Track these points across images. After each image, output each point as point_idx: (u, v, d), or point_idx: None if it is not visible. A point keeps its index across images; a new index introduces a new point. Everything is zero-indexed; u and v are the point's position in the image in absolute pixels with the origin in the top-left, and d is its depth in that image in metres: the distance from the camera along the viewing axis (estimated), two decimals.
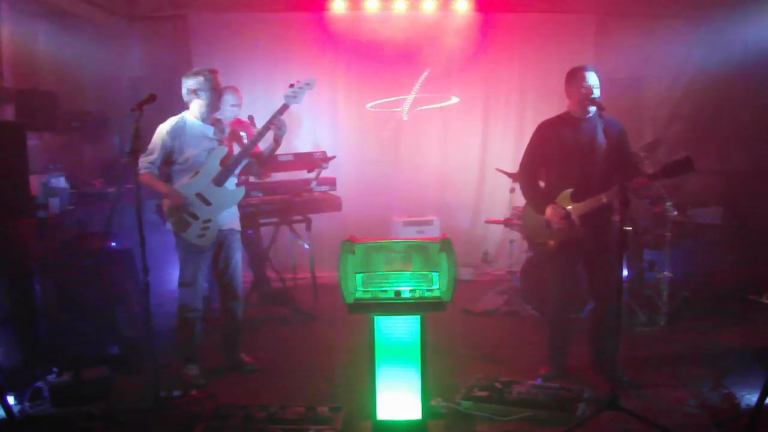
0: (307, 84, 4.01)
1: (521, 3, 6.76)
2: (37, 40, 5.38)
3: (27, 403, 3.61)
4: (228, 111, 5.27)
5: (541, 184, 4.07)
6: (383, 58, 6.80)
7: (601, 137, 3.73)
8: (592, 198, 3.74)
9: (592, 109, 3.78)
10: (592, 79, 3.78)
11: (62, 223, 4.68)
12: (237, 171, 4.07)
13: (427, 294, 3.05)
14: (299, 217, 5.55)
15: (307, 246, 5.67)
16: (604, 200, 3.70)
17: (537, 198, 3.98)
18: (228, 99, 5.27)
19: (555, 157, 3.91)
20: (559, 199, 3.86)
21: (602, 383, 3.71)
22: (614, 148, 3.77)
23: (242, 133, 5.32)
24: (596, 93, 3.77)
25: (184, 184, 3.91)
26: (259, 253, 5.50)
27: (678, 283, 5.20)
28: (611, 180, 3.72)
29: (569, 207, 3.82)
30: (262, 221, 5.45)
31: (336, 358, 4.37)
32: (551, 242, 3.90)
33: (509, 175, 5.65)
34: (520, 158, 4.11)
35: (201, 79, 3.89)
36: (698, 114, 6.60)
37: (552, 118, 3.98)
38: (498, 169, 5.95)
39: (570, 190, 3.82)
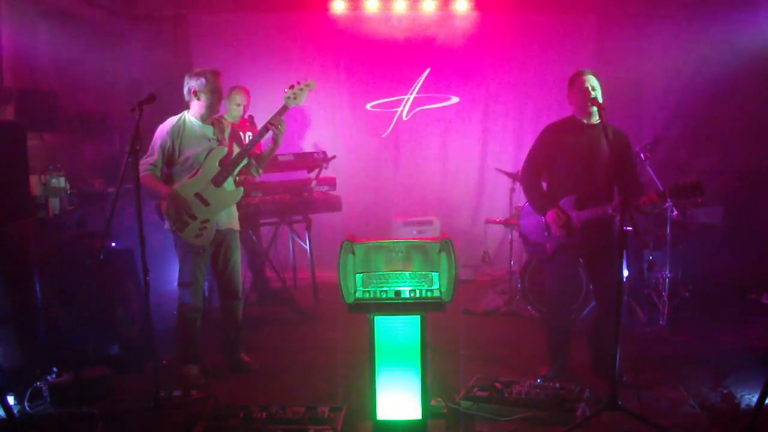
0: (307, 85, 4.01)
1: (521, 3, 6.76)
2: (37, 40, 5.38)
3: (27, 403, 3.61)
4: (234, 110, 5.30)
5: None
6: (383, 58, 6.81)
7: (605, 145, 3.69)
8: (596, 207, 3.72)
9: (595, 112, 3.76)
10: (591, 81, 3.78)
11: (62, 223, 4.69)
12: (236, 171, 4.08)
13: (427, 294, 3.05)
14: (299, 217, 5.55)
15: (307, 246, 5.67)
16: (610, 212, 3.69)
17: (538, 200, 3.96)
18: (235, 98, 5.30)
19: (558, 160, 3.90)
20: (563, 203, 3.83)
21: (602, 383, 3.71)
22: (617, 159, 3.72)
23: (248, 134, 5.33)
24: (597, 94, 3.76)
25: (183, 184, 3.90)
26: (257, 253, 5.50)
27: (678, 283, 5.20)
28: (613, 189, 3.70)
29: (571, 212, 3.80)
30: (262, 221, 5.45)
31: (336, 358, 4.36)
32: (548, 245, 3.90)
33: (509, 175, 5.66)
34: (521, 158, 4.11)
35: (203, 80, 3.88)
36: (698, 114, 6.61)
37: (557, 122, 3.98)
38: (498, 169, 5.95)
39: (575, 196, 3.80)
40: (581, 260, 4.12)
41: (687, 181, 3.43)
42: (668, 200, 3.59)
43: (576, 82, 3.82)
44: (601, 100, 3.76)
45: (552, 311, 4.08)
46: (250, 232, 5.30)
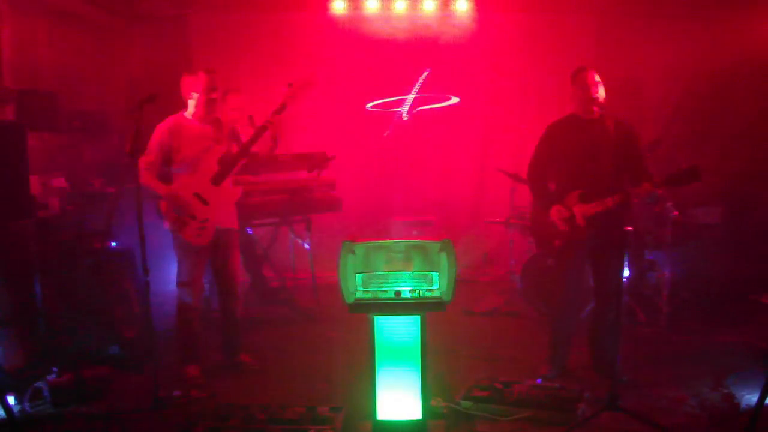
0: (306, 83, 4.01)
1: (521, 3, 6.77)
2: (37, 40, 5.38)
3: (27, 403, 3.61)
4: (229, 113, 5.27)
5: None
6: (383, 58, 6.81)
7: (608, 138, 3.72)
8: (598, 201, 3.74)
9: (596, 109, 3.78)
10: (593, 78, 3.78)
11: (62, 223, 4.69)
12: (235, 171, 4.07)
13: (427, 294, 3.05)
14: (299, 217, 5.54)
15: (307, 246, 5.66)
16: (610, 204, 3.70)
17: (544, 198, 3.99)
18: (230, 101, 5.28)
19: (562, 157, 3.92)
20: (567, 199, 3.86)
21: (602, 383, 3.71)
22: (622, 150, 3.75)
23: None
24: (599, 92, 3.77)
25: (181, 183, 3.91)
26: (254, 253, 5.49)
27: (678, 283, 5.19)
28: (619, 181, 3.71)
29: (575, 208, 3.81)
30: (262, 221, 5.44)
31: (336, 358, 4.36)
32: (556, 242, 3.91)
33: (509, 175, 5.65)
34: (521, 158, 4.12)
35: (199, 79, 3.89)
36: (698, 114, 6.60)
37: (560, 119, 3.98)
38: (498, 169, 5.95)
39: (579, 192, 3.81)
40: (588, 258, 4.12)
41: (683, 168, 3.47)
42: (663, 187, 3.62)
43: (577, 79, 3.83)
44: (603, 94, 3.77)
45: (557, 309, 4.07)
46: (250, 232, 5.30)
